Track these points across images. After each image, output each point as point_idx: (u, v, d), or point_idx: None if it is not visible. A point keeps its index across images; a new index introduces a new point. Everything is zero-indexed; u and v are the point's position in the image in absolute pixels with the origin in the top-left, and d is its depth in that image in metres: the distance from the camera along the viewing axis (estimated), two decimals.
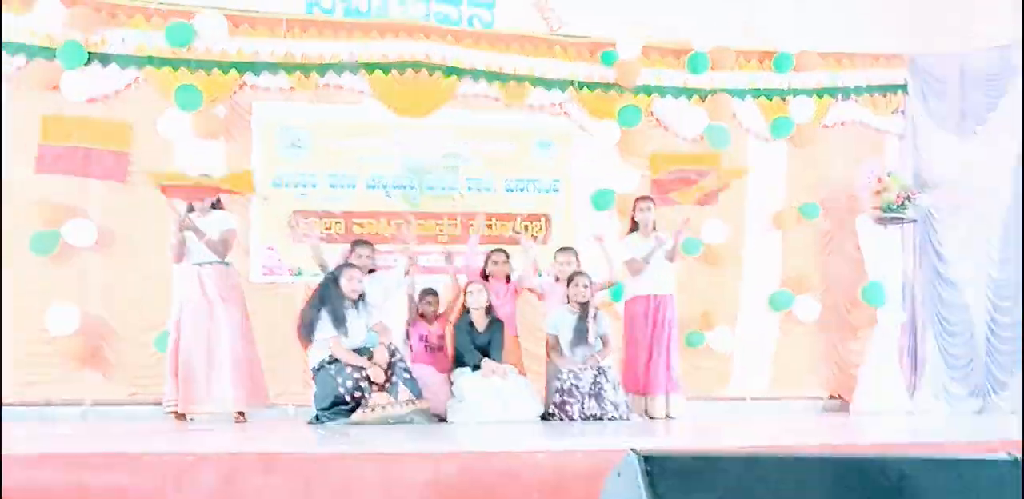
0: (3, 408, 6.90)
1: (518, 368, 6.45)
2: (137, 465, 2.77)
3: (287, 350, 7.20)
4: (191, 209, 6.22)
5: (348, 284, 5.88)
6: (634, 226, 7.14)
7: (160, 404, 6.42)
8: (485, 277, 6.77)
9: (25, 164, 7.33)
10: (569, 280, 6.45)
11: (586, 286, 6.35)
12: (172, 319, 6.21)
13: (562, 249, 6.98)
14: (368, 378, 5.61)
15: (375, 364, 5.62)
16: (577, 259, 6.80)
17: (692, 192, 7.86)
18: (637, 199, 7.25)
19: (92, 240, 7.38)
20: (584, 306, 6.36)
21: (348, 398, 5.57)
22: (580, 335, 6.27)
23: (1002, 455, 2.04)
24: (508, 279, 6.84)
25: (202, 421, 6.04)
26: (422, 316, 6.58)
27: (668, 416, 6.70)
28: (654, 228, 7.06)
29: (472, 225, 7.20)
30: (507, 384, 6.06)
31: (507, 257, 6.87)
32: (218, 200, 6.33)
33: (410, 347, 6.49)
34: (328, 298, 5.85)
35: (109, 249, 7.49)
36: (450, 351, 6.51)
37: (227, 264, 6.21)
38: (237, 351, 6.07)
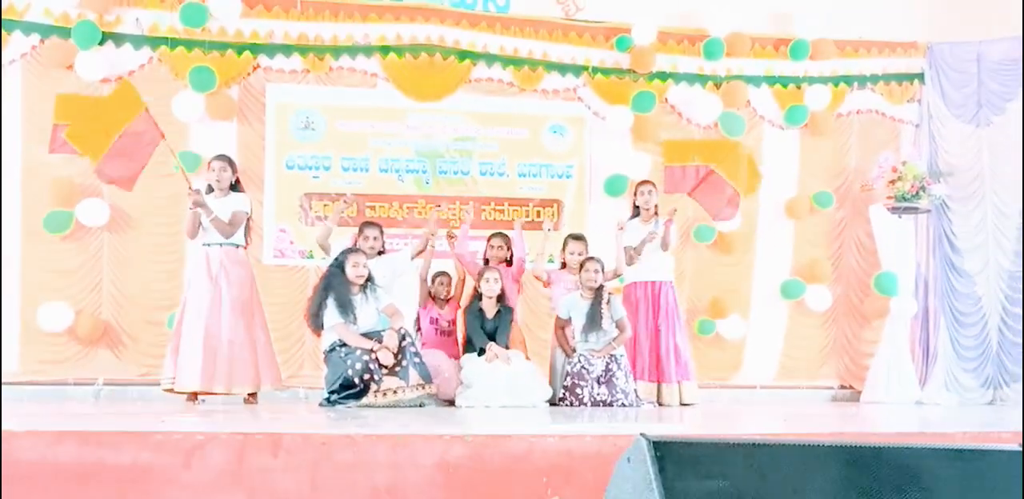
0: (19, 387, 6.98)
1: (523, 353, 6.44)
2: (147, 443, 2.78)
3: (298, 333, 7.24)
4: (211, 189, 6.21)
5: (353, 270, 5.87)
6: (636, 212, 7.07)
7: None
8: (485, 262, 6.75)
9: (40, 143, 7.35)
10: (581, 266, 6.42)
11: (597, 271, 6.32)
12: (181, 300, 6.22)
13: (573, 236, 6.92)
14: (378, 361, 5.61)
15: (384, 347, 5.62)
16: (587, 247, 6.76)
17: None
18: (638, 183, 7.16)
19: (105, 220, 7.41)
20: (597, 291, 6.33)
21: (358, 381, 5.57)
22: (593, 320, 6.24)
23: (1012, 446, 2.03)
24: (508, 263, 6.80)
25: (213, 402, 6.06)
26: (433, 299, 6.58)
27: (683, 403, 6.67)
28: (655, 213, 6.98)
29: (466, 212, 7.09)
30: (516, 369, 6.05)
31: (505, 241, 6.81)
32: (237, 181, 6.32)
33: (420, 331, 6.50)
34: (333, 285, 5.84)
35: (122, 229, 7.52)
36: (461, 336, 6.51)
37: (237, 246, 6.21)
38: (240, 333, 6.07)
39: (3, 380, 6.87)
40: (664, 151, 8.39)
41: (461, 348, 6.44)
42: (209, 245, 6.12)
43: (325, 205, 7.72)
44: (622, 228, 6.72)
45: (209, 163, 6.28)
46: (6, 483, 2.69)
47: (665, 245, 6.92)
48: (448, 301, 6.60)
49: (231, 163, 6.30)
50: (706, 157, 8.35)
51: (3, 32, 7.34)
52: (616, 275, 6.70)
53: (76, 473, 2.74)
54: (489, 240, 6.85)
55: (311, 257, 7.62)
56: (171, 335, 6.17)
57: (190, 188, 6.06)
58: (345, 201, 6.65)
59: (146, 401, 6.72)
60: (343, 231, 7.59)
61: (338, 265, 5.93)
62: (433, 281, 6.59)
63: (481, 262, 6.75)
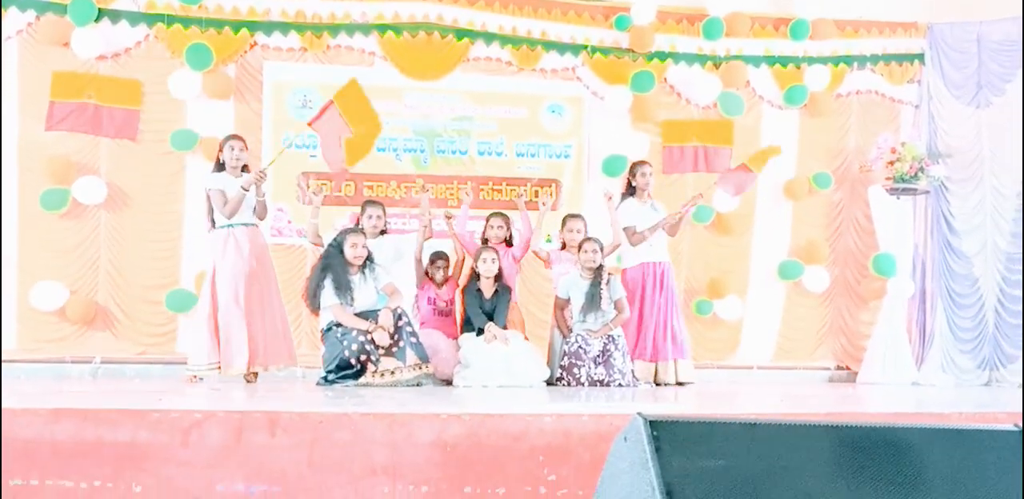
0: (17, 364, 7.00)
1: (522, 333, 6.44)
2: (145, 421, 2.79)
3: (296, 312, 7.24)
4: (221, 168, 6.16)
5: (352, 251, 5.86)
6: (629, 190, 7.01)
7: (174, 363, 6.48)
8: (484, 242, 6.74)
9: (36, 120, 7.33)
10: (579, 246, 6.41)
11: (595, 251, 6.32)
12: (207, 282, 6.15)
13: (571, 215, 6.91)
14: (375, 342, 5.62)
15: (380, 327, 5.62)
16: (585, 226, 6.75)
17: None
18: (635, 163, 7.10)
19: (102, 198, 7.40)
20: (597, 271, 6.33)
21: (354, 362, 5.57)
22: (592, 300, 6.25)
23: (1008, 426, 2.04)
24: (508, 243, 6.80)
25: (211, 380, 6.07)
26: (431, 279, 6.58)
27: (679, 382, 6.69)
28: (650, 194, 6.96)
29: (465, 193, 7.07)
30: (514, 349, 6.05)
31: (505, 221, 6.80)
32: (246, 165, 6.30)
33: (418, 309, 6.50)
34: (331, 266, 5.82)
35: (119, 207, 7.51)
36: (459, 316, 6.51)
37: (256, 225, 6.22)
38: (278, 310, 6.16)
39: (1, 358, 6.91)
40: (663, 131, 8.40)
41: (459, 328, 6.45)
42: (234, 226, 6.09)
43: (323, 184, 7.70)
44: (611, 198, 6.71)
45: (226, 142, 6.21)
46: (5, 460, 2.69)
47: (675, 230, 6.93)
48: (446, 281, 6.59)
49: (246, 143, 6.28)
50: (705, 137, 8.39)
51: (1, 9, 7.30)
52: (614, 248, 6.70)
53: (74, 450, 2.75)
54: (488, 220, 6.81)
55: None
56: (201, 319, 6.05)
57: (263, 170, 6.02)
58: (314, 193, 6.63)
59: (144, 379, 6.75)
60: (342, 210, 7.60)
61: (336, 245, 5.91)
62: (431, 263, 6.58)
63: (479, 242, 6.74)
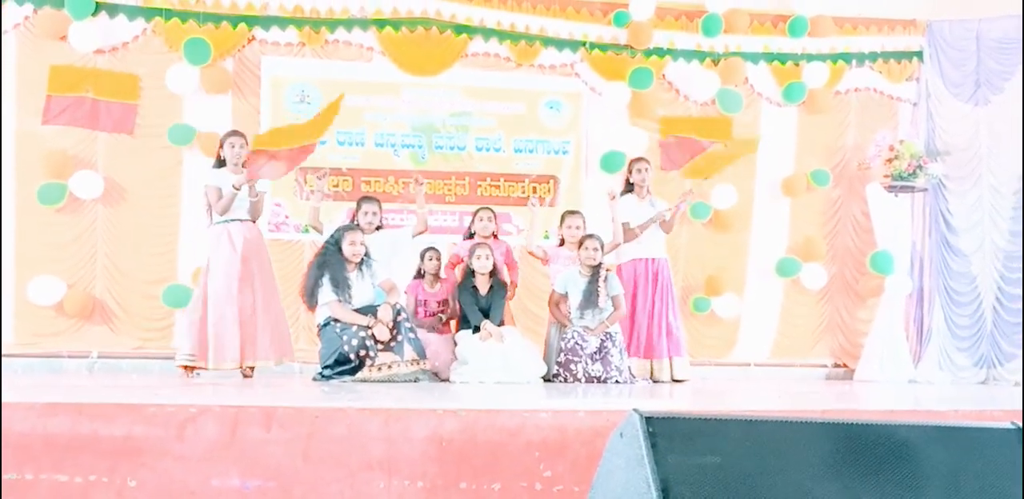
0: (14, 359, 6.99)
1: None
2: (140, 416, 2.78)
3: (293, 307, 7.23)
4: (221, 164, 6.13)
5: (350, 248, 5.85)
6: (628, 187, 7.01)
7: (172, 358, 6.43)
8: (470, 236, 6.72)
9: (33, 114, 7.31)
10: (580, 243, 6.40)
11: (596, 249, 6.31)
12: (201, 276, 6.14)
13: (570, 212, 6.90)
14: (374, 337, 5.61)
15: (380, 322, 5.62)
16: (584, 222, 6.74)
17: (701, 164, 7.81)
18: (632, 160, 7.11)
19: (99, 192, 7.39)
20: (595, 269, 6.33)
21: (353, 356, 5.57)
22: (590, 297, 6.24)
23: (1005, 424, 2.03)
24: (495, 237, 6.78)
25: (208, 375, 6.06)
26: (421, 276, 6.56)
27: (674, 380, 6.69)
28: (649, 191, 6.96)
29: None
30: (510, 346, 6.04)
31: (493, 215, 6.77)
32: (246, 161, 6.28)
33: (415, 314, 6.46)
34: (329, 263, 5.82)
35: (116, 202, 7.50)
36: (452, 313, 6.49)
37: (253, 220, 6.19)
38: (274, 304, 6.13)
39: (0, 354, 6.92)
40: (661, 127, 8.39)
41: (455, 325, 6.43)
42: (230, 221, 6.07)
43: (320, 179, 7.68)
44: (613, 197, 6.70)
45: (226, 138, 6.17)
46: None
47: (669, 227, 6.92)
48: (437, 280, 6.57)
49: (247, 140, 6.26)
50: (703, 134, 8.38)
51: None
52: (614, 246, 6.69)
53: (69, 445, 2.74)
54: (476, 214, 6.77)
55: (307, 231, 7.60)
56: (193, 313, 6.03)
57: (244, 165, 5.98)
58: (318, 177, 6.59)
59: (141, 373, 6.74)
60: (339, 205, 7.59)
61: (334, 242, 5.90)
62: (422, 257, 6.57)
63: (465, 236, 6.74)
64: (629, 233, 6.74)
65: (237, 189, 5.93)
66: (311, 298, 5.84)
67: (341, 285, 5.77)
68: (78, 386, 4.68)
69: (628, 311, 6.64)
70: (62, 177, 7.30)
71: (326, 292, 5.75)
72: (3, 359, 6.90)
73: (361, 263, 5.92)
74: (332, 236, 5.96)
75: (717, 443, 1.85)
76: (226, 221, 6.05)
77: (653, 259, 6.86)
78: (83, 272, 7.43)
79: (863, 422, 1.97)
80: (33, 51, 7.38)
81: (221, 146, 6.18)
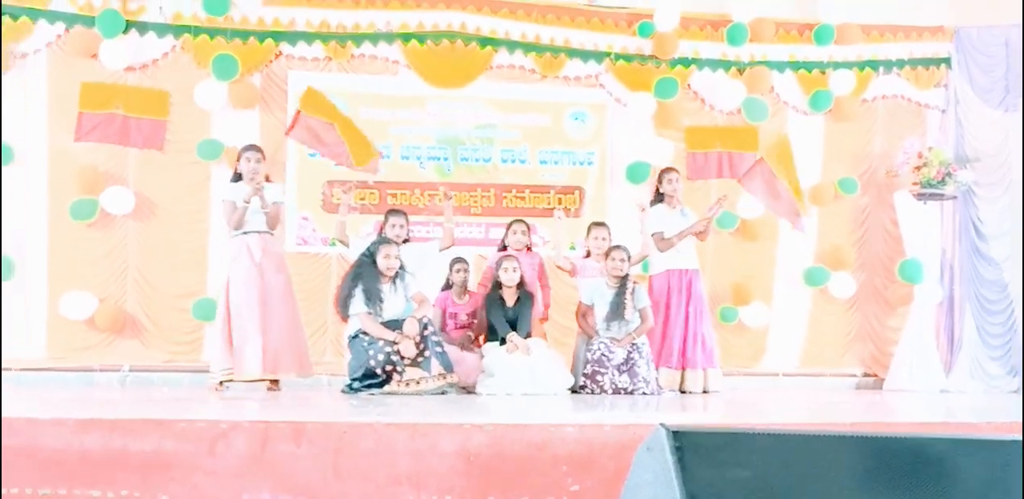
0: (46, 373, 7.09)
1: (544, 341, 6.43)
2: (171, 431, 2.81)
3: (320, 320, 7.28)
4: (238, 178, 6.18)
5: (384, 262, 5.88)
6: (658, 197, 7.00)
7: (202, 371, 6.49)
8: (503, 248, 6.74)
9: (66, 131, 7.41)
10: (607, 254, 6.40)
11: (623, 260, 6.31)
12: (222, 289, 6.19)
13: (596, 223, 6.91)
14: (400, 353, 5.63)
15: (406, 337, 5.63)
16: (610, 234, 6.74)
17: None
18: (663, 170, 7.10)
19: (130, 208, 7.47)
20: (622, 280, 6.32)
21: (380, 371, 5.60)
22: (616, 309, 6.24)
23: None
24: (528, 249, 6.81)
25: (236, 388, 6.10)
26: (450, 287, 6.58)
27: (706, 391, 6.66)
28: (679, 201, 6.95)
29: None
30: (537, 357, 6.04)
31: (527, 228, 6.80)
32: (267, 175, 6.33)
33: (444, 326, 6.48)
34: (363, 275, 5.86)
35: (146, 217, 7.58)
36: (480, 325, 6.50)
37: (272, 233, 6.24)
38: (293, 317, 6.15)
39: (30, 367, 7.00)
40: (687, 137, 8.37)
41: (482, 336, 6.44)
42: (247, 233, 6.12)
43: (346, 193, 7.73)
44: (644, 209, 6.70)
45: (243, 152, 6.22)
46: (33, 469, 2.72)
47: (705, 235, 6.92)
48: (466, 292, 6.59)
49: (263, 154, 6.31)
50: (729, 143, 8.36)
51: (29, 21, 7.39)
52: (642, 258, 6.69)
53: (101, 460, 2.77)
54: (510, 226, 6.83)
55: (333, 245, 7.63)
56: (219, 326, 6.12)
57: (259, 183, 6.00)
58: (345, 190, 6.63)
59: (171, 386, 6.80)
60: (366, 218, 7.63)
61: (369, 255, 5.94)
62: (451, 268, 6.59)
63: (499, 249, 6.76)
64: (665, 242, 6.74)
65: (247, 203, 5.99)
66: (344, 308, 5.89)
67: (373, 298, 5.80)
68: (110, 400, 4.73)
69: (662, 321, 6.64)
70: (94, 193, 7.39)
71: (357, 303, 5.78)
72: (36, 374, 7.01)
73: (395, 276, 5.95)
74: (368, 249, 6.00)
75: (745, 457, 1.84)
76: (243, 233, 6.11)
77: (686, 270, 6.84)
78: (114, 287, 7.51)
79: (894, 435, 1.95)
80: (65, 69, 7.48)
81: (239, 160, 6.24)
